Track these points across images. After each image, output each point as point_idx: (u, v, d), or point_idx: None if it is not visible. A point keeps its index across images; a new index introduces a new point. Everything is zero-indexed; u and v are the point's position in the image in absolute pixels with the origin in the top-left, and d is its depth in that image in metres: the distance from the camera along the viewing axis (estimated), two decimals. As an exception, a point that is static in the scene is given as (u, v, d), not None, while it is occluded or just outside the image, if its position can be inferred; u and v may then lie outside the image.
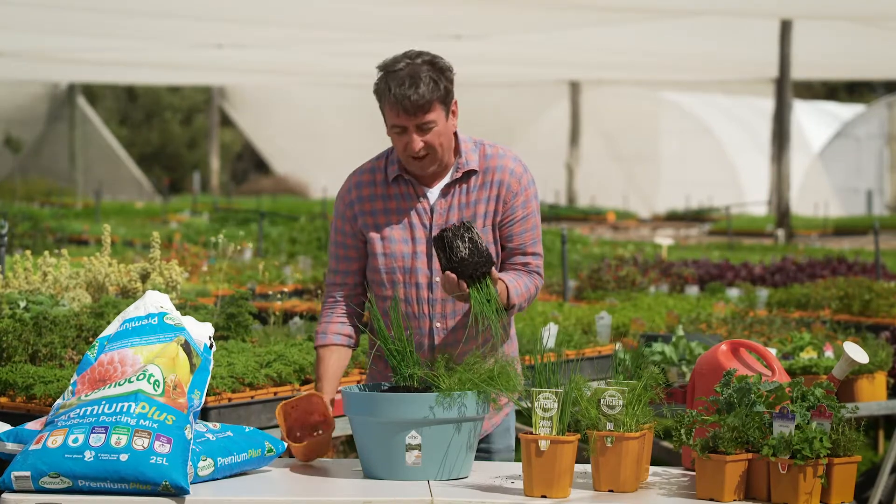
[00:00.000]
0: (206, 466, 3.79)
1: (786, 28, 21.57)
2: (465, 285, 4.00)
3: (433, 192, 4.23)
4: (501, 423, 4.36)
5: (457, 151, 4.24)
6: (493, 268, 4.03)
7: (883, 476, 6.62)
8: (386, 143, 4.49)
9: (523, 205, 4.23)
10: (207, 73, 34.58)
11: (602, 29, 22.52)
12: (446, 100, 4.13)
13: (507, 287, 4.13)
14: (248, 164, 47.75)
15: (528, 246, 4.25)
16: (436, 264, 4.19)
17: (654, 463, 4.01)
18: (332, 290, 4.32)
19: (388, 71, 4.10)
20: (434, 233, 4.19)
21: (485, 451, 4.32)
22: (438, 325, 4.20)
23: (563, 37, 23.70)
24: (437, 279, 4.19)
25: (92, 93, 41.14)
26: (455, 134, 4.24)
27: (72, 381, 3.83)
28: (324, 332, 4.28)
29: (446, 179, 4.22)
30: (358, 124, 36.34)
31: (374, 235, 4.24)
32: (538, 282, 4.28)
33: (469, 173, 4.22)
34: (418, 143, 4.11)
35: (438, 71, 4.11)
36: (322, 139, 39.63)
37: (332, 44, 24.39)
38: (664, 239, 19.93)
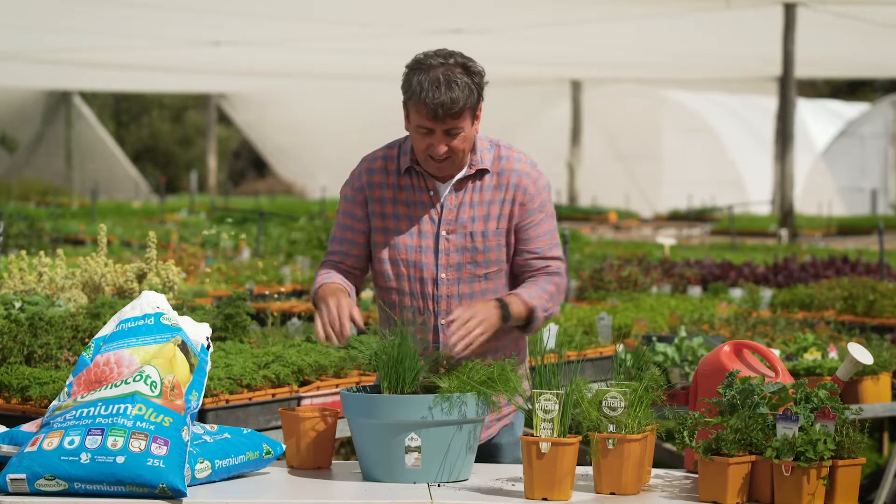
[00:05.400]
0: (203, 469, 3.77)
1: (789, 24, 21.51)
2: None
3: (444, 187, 4.19)
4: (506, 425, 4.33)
5: (472, 149, 4.20)
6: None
7: (887, 478, 6.58)
8: (387, 138, 4.43)
9: (540, 208, 4.21)
10: (204, 77, 34.51)
11: (603, 26, 22.49)
12: (476, 106, 4.09)
13: (525, 302, 4.12)
14: (246, 162, 47.81)
15: (546, 250, 4.23)
16: (441, 260, 4.17)
17: (656, 465, 3.99)
18: (331, 257, 4.27)
19: (421, 68, 4.03)
20: (442, 228, 4.16)
21: (494, 447, 4.29)
22: (443, 322, 4.16)
23: (565, 34, 23.68)
24: (443, 275, 4.17)
25: (84, 91, 41.15)
26: None
27: (67, 383, 3.81)
28: (327, 273, 4.21)
29: (459, 175, 4.19)
30: (357, 123, 36.34)
31: (382, 224, 4.21)
32: (558, 280, 4.24)
33: (482, 172, 4.19)
34: (443, 147, 4.07)
35: (472, 76, 4.05)
36: (321, 139, 39.61)
37: (331, 40, 24.37)
38: (666, 239, 19.90)
